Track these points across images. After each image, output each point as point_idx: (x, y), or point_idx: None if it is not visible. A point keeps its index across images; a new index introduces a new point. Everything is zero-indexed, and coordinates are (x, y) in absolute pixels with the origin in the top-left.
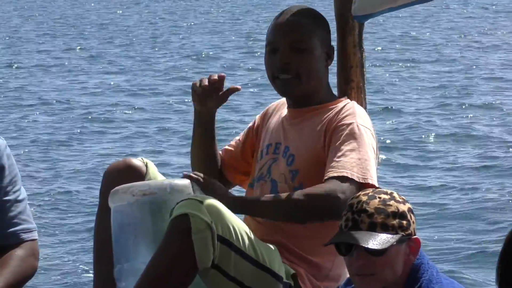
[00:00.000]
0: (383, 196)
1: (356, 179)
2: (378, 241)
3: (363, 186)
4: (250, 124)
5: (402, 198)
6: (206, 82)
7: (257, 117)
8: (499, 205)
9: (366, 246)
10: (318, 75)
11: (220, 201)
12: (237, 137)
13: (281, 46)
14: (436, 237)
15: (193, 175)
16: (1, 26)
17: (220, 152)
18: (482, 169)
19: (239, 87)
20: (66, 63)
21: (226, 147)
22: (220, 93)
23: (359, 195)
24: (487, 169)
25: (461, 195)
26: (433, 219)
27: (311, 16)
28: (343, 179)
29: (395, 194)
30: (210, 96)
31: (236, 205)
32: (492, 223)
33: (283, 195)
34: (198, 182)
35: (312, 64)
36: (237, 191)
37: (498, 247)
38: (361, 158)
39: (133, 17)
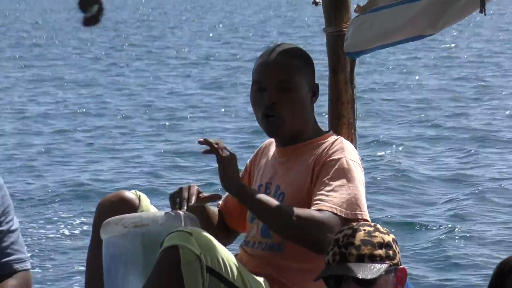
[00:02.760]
0: (367, 228)
1: (345, 216)
2: (367, 271)
3: (349, 223)
4: (243, 171)
5: (386, 230)
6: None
7: (248, 161)
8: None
9: (357, 276)
10: (304, 114)
11: (227, 183)
12: None
13: (268, 86)
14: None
15: (213, 143)
16: None
17: (221, 202)
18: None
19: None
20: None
21: (226, 197)
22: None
23: (343, 229)
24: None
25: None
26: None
27: (298, 56)
28: (332, 214)
29: (378, 226)
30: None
31: (239, 193)
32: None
33: (280, 206)
34: (216, 151)
35: (298, 104)
36: None
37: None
38: (350, 193)
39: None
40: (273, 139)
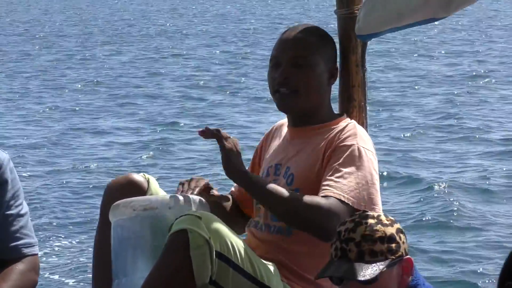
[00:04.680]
0: (369, 221)
1: (351, 205)
2: (367, 270)
3: (357, 211)
4: (254, 154)
5: (390, 220)
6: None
7: (259, 143)
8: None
9: (356, 279)
10: (318, 92)
11: (231, 171)
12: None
13: (283, 61)
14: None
15: (215, 131)
16: None
17: (233, 188)
18: None
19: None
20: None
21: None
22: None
23: (346, 222)
24: None
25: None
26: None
27: (317, 34)
28: (339, 202)
29: (382, 217)
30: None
31: (242, 180)
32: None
33: (286, 193)
34: (219, 139)
35: (312, 80)
36: None
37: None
38: (359, 183)
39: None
40: (284, 121)
